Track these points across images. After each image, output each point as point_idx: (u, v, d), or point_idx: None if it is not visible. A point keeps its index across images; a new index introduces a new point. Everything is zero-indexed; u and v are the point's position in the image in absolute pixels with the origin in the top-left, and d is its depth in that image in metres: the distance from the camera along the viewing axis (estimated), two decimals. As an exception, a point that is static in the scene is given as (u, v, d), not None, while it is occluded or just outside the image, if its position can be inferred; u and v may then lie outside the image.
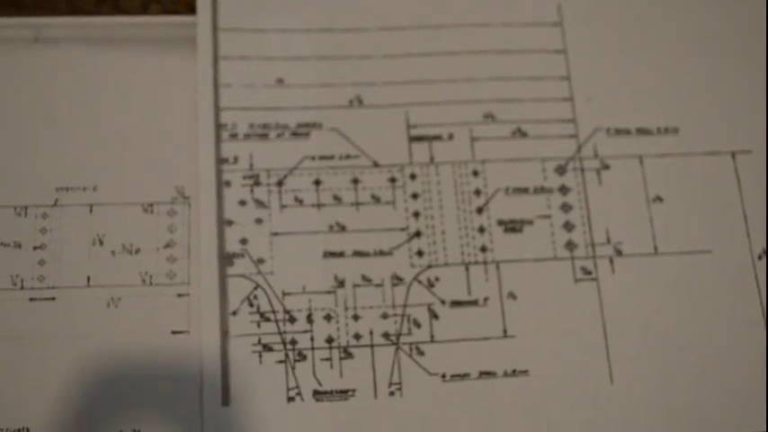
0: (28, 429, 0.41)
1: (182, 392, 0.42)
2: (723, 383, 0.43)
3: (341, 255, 0.44)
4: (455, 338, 0.43)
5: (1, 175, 0.44)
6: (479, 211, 0.45)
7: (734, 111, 0.46)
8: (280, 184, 0.45)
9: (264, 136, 0.45)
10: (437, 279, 0.44)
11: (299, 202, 0.45)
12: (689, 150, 0.46)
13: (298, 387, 0.42)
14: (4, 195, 0.44)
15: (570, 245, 0.45)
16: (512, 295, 0.44)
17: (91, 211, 0.44)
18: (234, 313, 0.43)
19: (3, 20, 0.47)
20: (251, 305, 0.43)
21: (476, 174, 0.45)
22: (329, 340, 0.43)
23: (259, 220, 0.44)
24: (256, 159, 0.45)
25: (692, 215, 0.45)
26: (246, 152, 0.45)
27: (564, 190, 0.45)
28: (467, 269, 0.44)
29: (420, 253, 0.44)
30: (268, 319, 0.43)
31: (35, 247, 0.43)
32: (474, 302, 0.44)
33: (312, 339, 0.43)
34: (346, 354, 0.43)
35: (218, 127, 0.45)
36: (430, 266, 0.44)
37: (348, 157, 0.45)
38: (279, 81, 0.46)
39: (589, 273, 0.44)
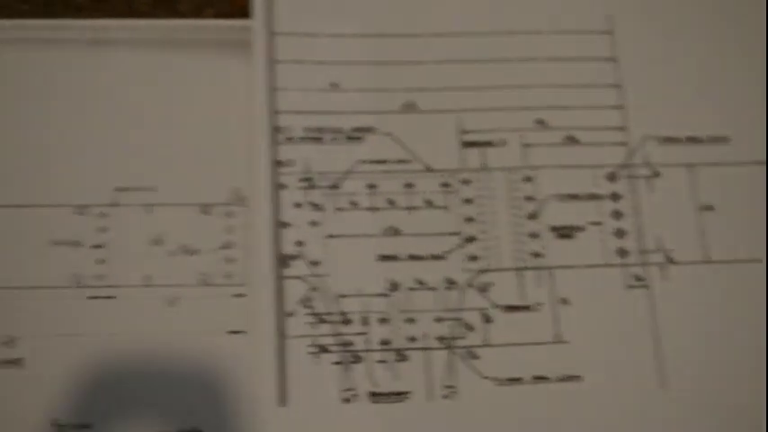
0: (90, 425, 0.41)
1: (238, 392, 0.42)
2: (774, 390, 0.43)
3: (395, 258, 0.44)
4: (508, 343, 0.43)
5: (61, 175, 0.45)
6: (532, 217, 0.45)
7: (784, 120, 0.47)
8: (334, 187, 0.45)
9: (319, 139, 0.46)
10: (490, 284, 0.44)
11: (354, 205, 0.45)
12: (739, 159, 0.46)
13: (354, 388, 0.42)
14: (65, 194, 0.45)
15: (622, 252, 0.45)
16: (564, 301, 0.44)
17: (149, 211, 0.45)
18: (290, 314, 0.43)
19: (61, 22, 0.47)
20: (307, 306, 0.43)
21: (528, 180, 0.46)
22: (384, 342, 0.43)
23: (314, 223, 0.45)
24: (312, 162, 0.45)
25: (742, 224, 0.45)
26: (302, 155, 0.45)
27: (615, 197, 0.46)
28: (520, 274, 0.44)
29: (473, 258, 0.45)
30: (324, 321, 0.43)
31: (94, 246, 0.44)
32: (527, 307, 0.44)
33: (367, 341, 0.43)
34: (401, 356, 0.43)
35: (274, 130, 0.45)
36: (483, 271, 0.44)
37: (401, 161, 0.46)
38: (333, 85, 0.47)
39: (641, 279, 0.45)
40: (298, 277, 0.44)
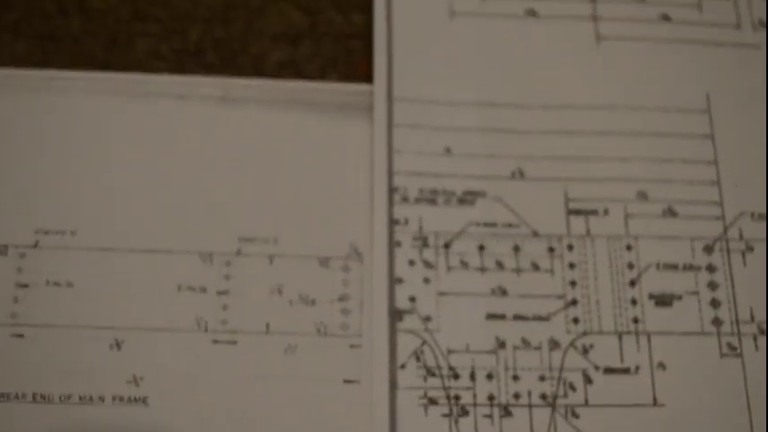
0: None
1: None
2: None
3: (502, 317, 0.47)
4: (608, 404, 0.46)
5: (190, 224, 0.47)
6: (632, 283, 0.48)
7: None
8: (447, 246, 0.48)
9: (433, 201, 0.48)
10: (591, 346, 0.46)
11: (464, 264, 0.47)
12: (832, 235, 0.49)
13: (461, 440, 0.45)
14: (192, 242, 0.47)
15: (717, 321, 0.47)
16: (661, 365, 0.46)
17: (271, 261, 0.47)
18: (402, 366, 0.45)
19: (194, 78, 0.50)
20: (418, 360, 0.46)
21: (629, 248, 0.48)
22: (490, 398, 0.45)
23: (427, 280, 0.47)
24: (425, 222, 0.48)
25: (833, 298, 0.47)
26: (416, 215, 0.48)
27: (711, 268, 0.48)
28: (620, 338, 0.47)
29: (576, 320, 0.47)
30: (433, 374, 0.46)
31: (219, 293, 0.46)
32: (626, 370, 0.46)
33: (474, 396, 0.45)
34: (506, 412, 0.45)
35: (391, 190, 0.48)
36: (585, 334, 0.47)
37: (510, 225, 0.48)
38: (447, 150, 0.49)
39: (734, 349, 0.47)
40: (410, 331, 0.46)
